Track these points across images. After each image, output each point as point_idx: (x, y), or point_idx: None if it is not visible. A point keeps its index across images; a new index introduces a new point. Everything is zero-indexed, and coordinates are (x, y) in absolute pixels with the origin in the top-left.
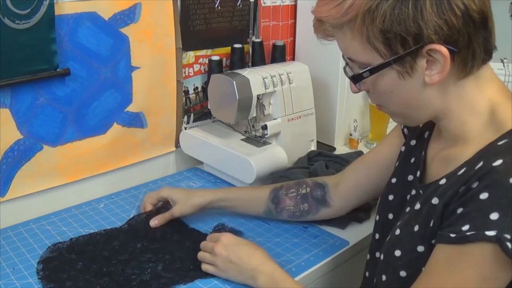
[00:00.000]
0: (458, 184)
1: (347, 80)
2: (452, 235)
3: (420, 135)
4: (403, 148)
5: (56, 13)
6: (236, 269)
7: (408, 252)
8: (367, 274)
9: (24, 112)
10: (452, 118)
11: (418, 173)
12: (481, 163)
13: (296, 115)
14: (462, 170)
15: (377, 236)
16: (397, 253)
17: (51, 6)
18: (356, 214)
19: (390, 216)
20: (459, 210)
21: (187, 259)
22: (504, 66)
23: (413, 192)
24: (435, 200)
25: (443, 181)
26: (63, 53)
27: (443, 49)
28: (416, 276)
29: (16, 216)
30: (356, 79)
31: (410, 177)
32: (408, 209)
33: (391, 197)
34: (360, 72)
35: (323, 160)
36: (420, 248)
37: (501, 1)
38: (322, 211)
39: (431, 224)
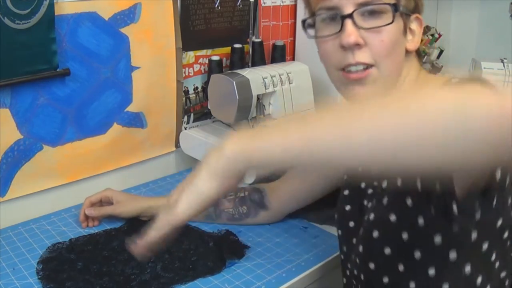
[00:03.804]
0: None
1: None
2: None
3: None
4: None
5: (56, 13)
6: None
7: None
8: (344, 280)
9: (24, 112)
10: None
11: None
12: None
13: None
14: None
15: (344, 248)
16: (375, 234)
17: (51, 6)
18: None
19: (351, 224)
20: None
21: (187, 258)
22: (504, 66)
23: (370, 191)
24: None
25: None
26: (63, 53)
27: (423, 20)
28: (400, 249)
29: (16, 216)
30: (396, 6)
31: (363, 185)
32: (370, 204)
33: (348, 208)
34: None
35: None
36: (392, 217)
37: (501, 1)
38: (261, 214)
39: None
